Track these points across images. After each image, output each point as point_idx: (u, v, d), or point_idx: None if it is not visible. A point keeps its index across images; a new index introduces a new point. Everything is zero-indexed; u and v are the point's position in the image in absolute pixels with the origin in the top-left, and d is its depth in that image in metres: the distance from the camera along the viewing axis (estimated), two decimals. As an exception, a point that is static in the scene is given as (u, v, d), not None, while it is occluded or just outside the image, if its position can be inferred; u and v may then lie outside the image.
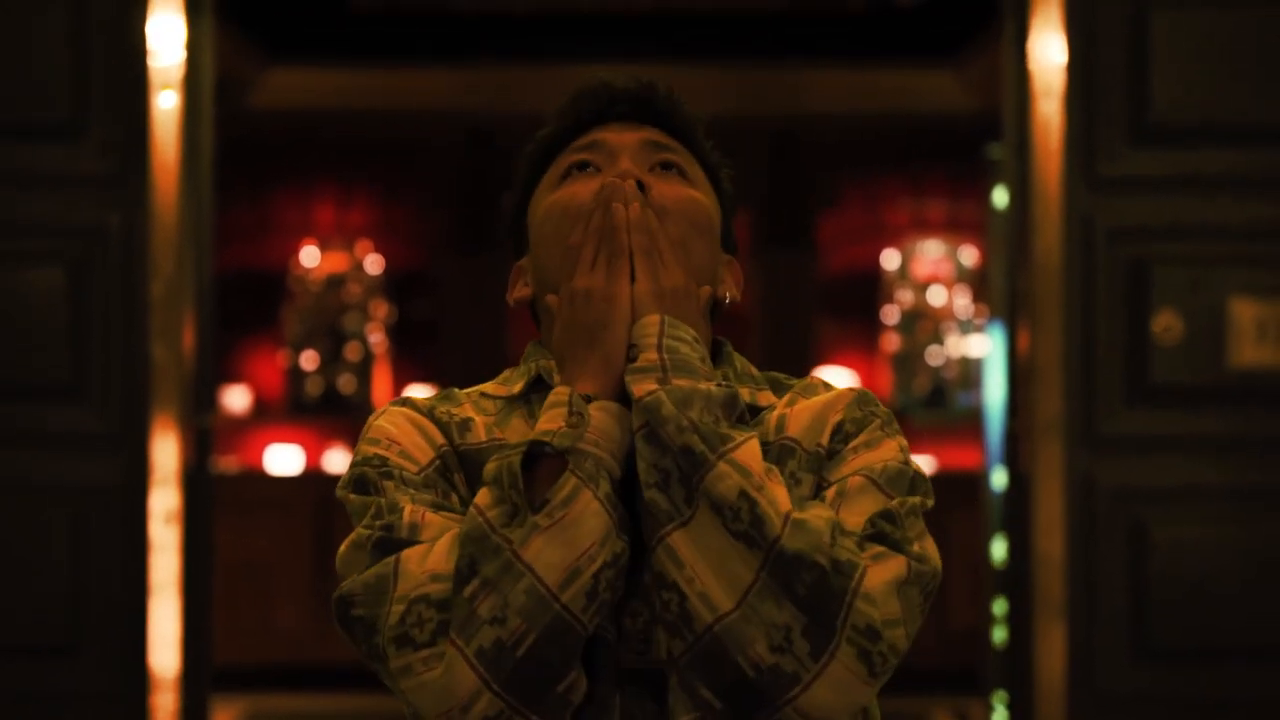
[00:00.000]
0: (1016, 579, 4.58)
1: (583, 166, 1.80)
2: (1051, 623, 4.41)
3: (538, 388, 1.76)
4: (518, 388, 1.76)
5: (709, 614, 1.54)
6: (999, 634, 5.38)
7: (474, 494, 1.65)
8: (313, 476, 8.45)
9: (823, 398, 1.75)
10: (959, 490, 7.46)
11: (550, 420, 1.60)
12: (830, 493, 1.64)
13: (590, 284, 1.66)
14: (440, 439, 1.71)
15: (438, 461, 1.70)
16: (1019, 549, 4.56)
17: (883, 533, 1.59)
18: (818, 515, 1.56)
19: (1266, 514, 4.41)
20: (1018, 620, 4.58)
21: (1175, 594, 4.38)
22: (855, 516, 1.61)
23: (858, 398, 1.74)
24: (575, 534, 1.55)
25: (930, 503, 1.67)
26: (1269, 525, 4.40)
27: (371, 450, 1.70)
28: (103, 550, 4.41)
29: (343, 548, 1.64)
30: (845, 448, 1.69)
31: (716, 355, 1.80)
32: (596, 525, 1.56)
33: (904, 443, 1.71)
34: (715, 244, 1.82)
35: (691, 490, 1.56)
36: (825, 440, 1.69)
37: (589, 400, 1.61)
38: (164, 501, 4.44)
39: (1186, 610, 4.38)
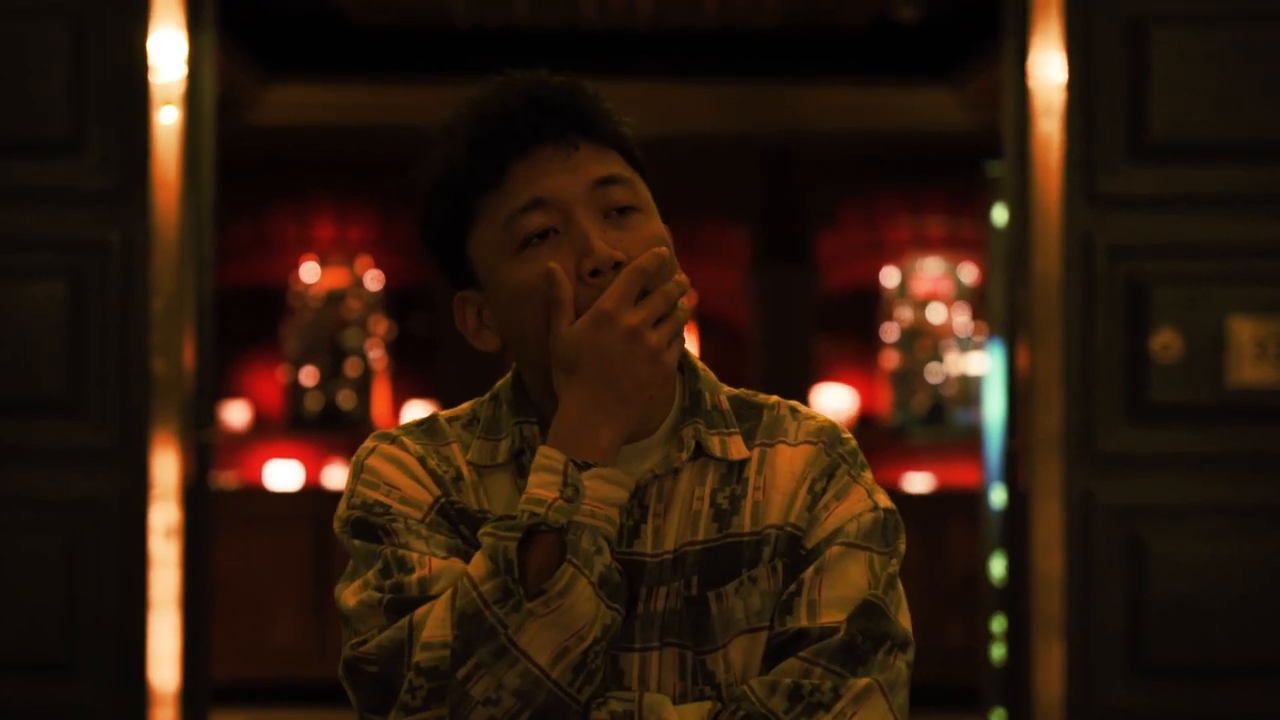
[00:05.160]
0: (1015, 596, 4.58)
1: (543, 235, 1.67)
2: (1050, 640, 4.41)
3: (523, 449, 1.74)
4: (501, 457, 1.73)
5: None
6: (997, 651, 5.38)
7: (478, 544, 1.66)
8: (312, 492, 8.45)
9: (789, 458, 1.74)
10: (957, 508, 7.47)
11: (542, 486, 1.60)
12: (810, 571, 1.68)
13: (656, 337, 1.62)
14: (437, 489, 1.71)
15: (438, 506, 1.70)
16: (1018, 566, 4.56)
17: (861, 655, 1.65)
18: None
19: (1265, 532, 4.41)
20: (1016, 638, 4.58)
21: (1173, 612, 4.37)
22: (840, 590, 1.67)
23: (824, 445, 1.75)
24: (569, 619, 1.58)
25: (903, 547, 1.73)
26: (1268, 543, 4.40)
27: (371, 495, 1.70)
28: (102, 566, 4.41)
29: (350, 597, 1.66)
30: (818, 506, 1.71)
31: (681, 370, 1.77)
32: (588, 609, 1.59)
33: (869, 480, 1.75)
34: (676, 261, 1.72)
35: None
36: (794, 517, 1.71)
37: (583, 467, 1.61)
38: (163, 517, 4.44)
39: (1185, 628, 4.37)
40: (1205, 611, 4.37)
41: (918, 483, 8.61)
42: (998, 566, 5.40)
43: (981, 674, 6.11)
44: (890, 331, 9.24)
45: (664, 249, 1.66)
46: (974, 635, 6.36)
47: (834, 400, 8.99)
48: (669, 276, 1.65)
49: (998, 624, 5.40)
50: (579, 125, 1.69)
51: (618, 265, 1.65)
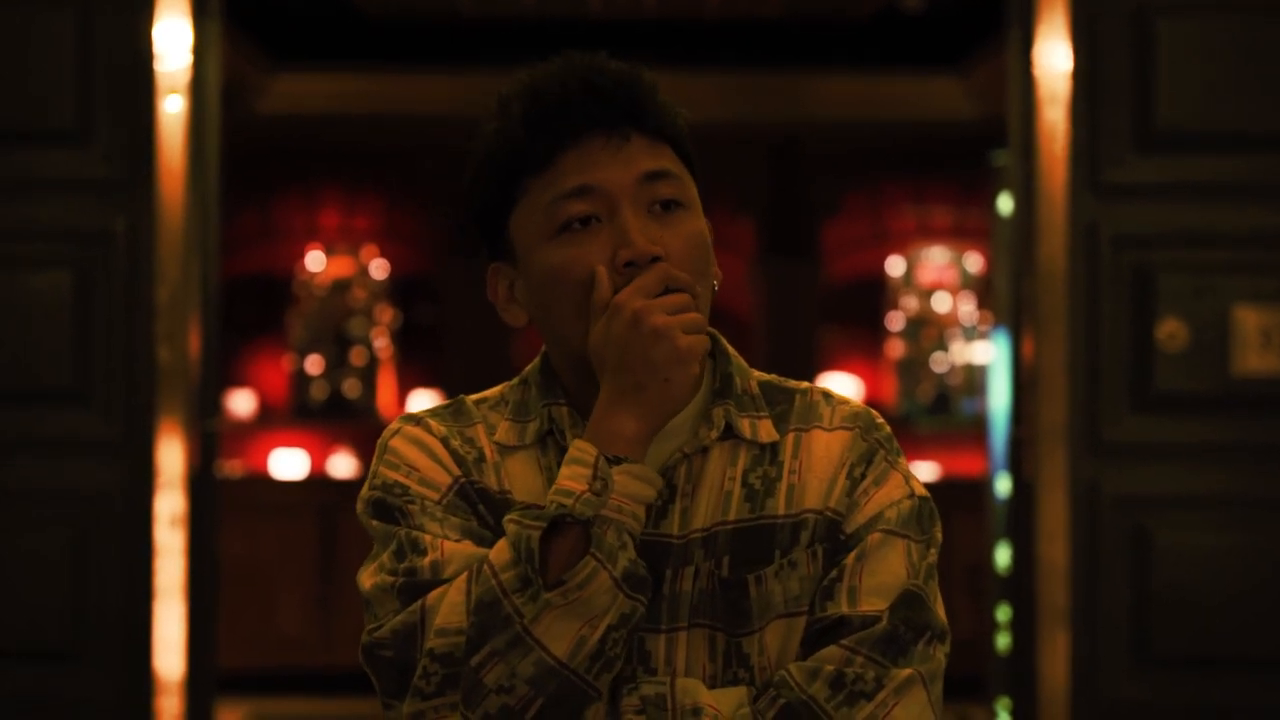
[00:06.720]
0: (1020, 586, 4.58)
1: (584, 222, 1.68)
2: (1054, 630, 4.41)
3: (551, 430, 1.74)
4: (529, 439, 1.74)
5: None
6: (1002, 641, 5.38)
7: (496, 525, 1.67)
8: (317, 481, 8.46)
9: (825, 443, 1.75)
10: (962, 497, 7.46)
11: (572, 478, 1.61)
12: (851, 558, 1.68)
13: (661, 319, 1.62)
14: (457, 470, 1.71)
15: (457, 487, 1.70)
16: (1022, 556, 4.56)
17: (903, 645, 1.65)
18: None
19: (1270, 522, 4.41)
20: (1021, 627, 4.58)
21: (1178, 602, 4.37)
22: (881, 578, 1.67)
23: (860, 430, 1.77)
24: (586, 609, 1.58)
25: (939, 535, 1.75)
26: (1272, 533, 4.40)
27: (391, 476, 1.71)
28: (107, 555, 4.41)
29: (367, 579, 1.67)
30: (857, 492, 1.72)
31: (713, 356, 1.79)
32: (606, 600, 1.59)
33: (905, 466, 1.76)
34: (712, 257, 1.74)
35: None
36: (834, 502, 1.72)
37: (614, 461, 1.61)
38: (168, 506, 4.44)
39: (1190, 618, 4.37)
40: (1210, 602, 4.37)
41: (923, 472, 8.60)
42: (1002, 556, 5.40)
43: (987, 663, 6.11)
44: (895, 321, 9.24)
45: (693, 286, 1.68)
46: (979, 624, 6.36)
47: (839, 390, 8.97)
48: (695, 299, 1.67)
49: (1003, 613, 5.41)
50: (634, 116, 1.70)
51: (654, 260, 1.66)
